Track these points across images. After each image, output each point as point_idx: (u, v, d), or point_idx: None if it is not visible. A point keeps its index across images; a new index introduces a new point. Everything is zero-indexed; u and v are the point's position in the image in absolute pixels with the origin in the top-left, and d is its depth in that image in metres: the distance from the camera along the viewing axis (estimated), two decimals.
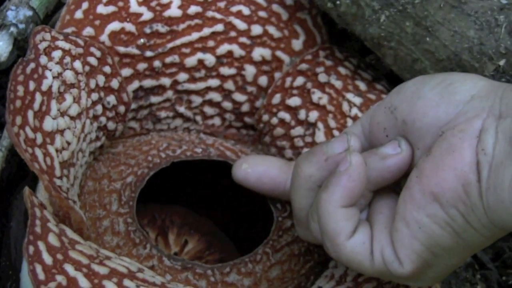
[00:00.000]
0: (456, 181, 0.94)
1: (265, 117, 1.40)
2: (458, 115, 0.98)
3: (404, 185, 1.02)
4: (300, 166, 1.11)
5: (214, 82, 1.40)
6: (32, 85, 1.11)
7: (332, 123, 1.35)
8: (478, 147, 0.94)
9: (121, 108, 1.32)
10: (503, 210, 0.91)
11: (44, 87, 1.14)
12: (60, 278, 0.92)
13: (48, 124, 1.12)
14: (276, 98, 1.40)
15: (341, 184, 1.03)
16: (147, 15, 1.35)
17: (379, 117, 1.09)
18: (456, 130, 0.97)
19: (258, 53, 1.40)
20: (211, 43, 1.39)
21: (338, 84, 1.38)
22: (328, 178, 1.06)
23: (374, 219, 1.06)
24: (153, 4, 1.35)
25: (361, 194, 1.05)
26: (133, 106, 1.36)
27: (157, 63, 1.36)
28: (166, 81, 1.38)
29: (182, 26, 1.37)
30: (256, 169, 1.24)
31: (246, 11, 1.40)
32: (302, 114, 1.38)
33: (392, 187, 1.08)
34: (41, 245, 0.95)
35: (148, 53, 1.35)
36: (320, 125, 1.36)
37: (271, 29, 1.41)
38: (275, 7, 1.42)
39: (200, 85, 1.40)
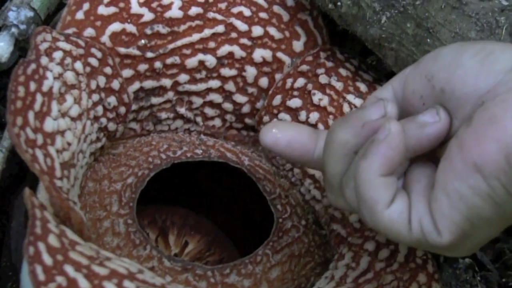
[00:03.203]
0: (499, 152, 0.92)
1: (266, 118, 1.40)
2: (498, 85, 0.97)
3: (440, 154, 1.01)
4: (335, 131, 1.08)
5: (214, 83, 1.40)
6: (33, 86, 1.11)
7: None
8: None
9: (122, 109, 1.32)
10: None
11: (45, 88, 1.13)
12: (60, 279, 0.92)
13: (49, 125, 1.12)
14: (277, 99, 1.40)
15: (380, 153, 1.01)
16: (148, 16, 1.35)
17: (414, 84, 1.07)
18: (498, 100, 0.95)
19: (259, 54, 1.40)
20: (212, 44, 1.39)
21: (338, 85, 1.38)
22: (366, 146, 1.03)
23: (411, 188, 1.04)
24: (154, 5, 1.36)
25: (400, 163, 1.03)
26: (134, 107, 1.36)
27: (158, 64, 1.36)
28: (166, 82, 1.38)
29: (183, 27, 1.37)
30: (286, 134, 1.19)
31: (247, 12, 1.40)
32: (302, 115, 1.38)
33: (428, 155, 1.06)
34: (41, 246, 0.95)
35: (149, 54, 1.35)
36: (320, 126, 1.36)
37: (272, 30, 1.41)
38: (276, 8, 1.42)
39: (201, 86, 1.40)
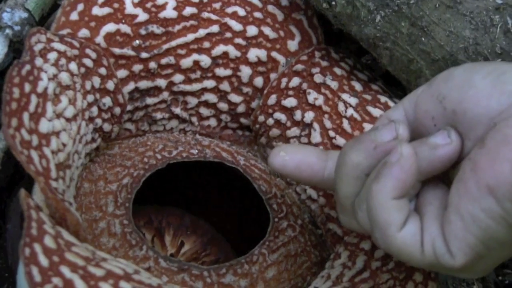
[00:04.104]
0: None
1: (261, 118, 1.40)
2: (511, 106, 0.97)
3: (452, 175, 1.01)
4: (348, 153, 1.08)
5: (209, 83, 1.40)
6: (27, 87, 1.11)
7: (327, 124, 1.35)
8: None
9: (117, 110, 1.32)
10: None
11: (39, 89, 1.13)
12: (56, 280, 0.92)
13: (44, 126, 1.12)
14: (272, 99, 1.40)
15: (393, 175, 1.01)
16: (142, 16, 1.35)
17: (426, 105, 1.07)
18: (511, 121, 0.95)
19: (254, 54, 1.40)
20: (206, 44, 1.39)
21: (333, 84, 1.38)
22: (379, 169, 1.03)
23: (424, 210, 1.04)
24: (148, 5, 1.35)
25: (412, 185, 1.03)
26: (129, 107, 1.36)
27: (152, 65, 1.36)
28: (161, 82, 1.38)
29: (177, 27, 1.37)
30: (294, 157, 1.19)
31: (241, 12, 1.40)
32: (298, 115, 1.38)
33: (440, 177, 1.06)
34: (37, 247, 0.95)
35: (144, 55, 1.35)
36: (315, 125, 1.36)
37: (267, 30, 1.41)
38: (271, 8, 1.42)
39: (196, 86, 1.40)
